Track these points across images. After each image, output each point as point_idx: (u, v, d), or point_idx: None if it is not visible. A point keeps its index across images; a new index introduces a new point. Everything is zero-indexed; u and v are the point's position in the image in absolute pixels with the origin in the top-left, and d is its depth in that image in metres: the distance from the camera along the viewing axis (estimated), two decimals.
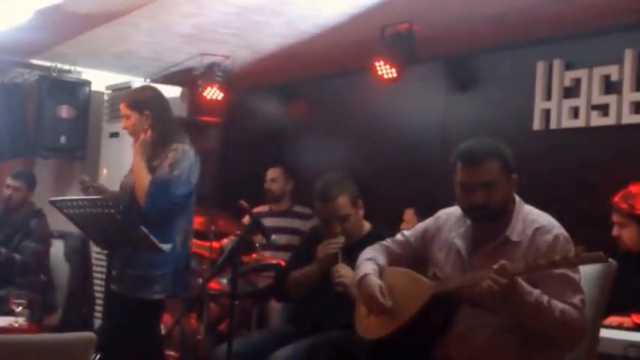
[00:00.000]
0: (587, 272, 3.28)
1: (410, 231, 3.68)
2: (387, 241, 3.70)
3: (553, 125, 5.46)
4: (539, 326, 3.05)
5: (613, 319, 3.93)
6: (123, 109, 4.58)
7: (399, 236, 3.68)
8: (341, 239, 4.22)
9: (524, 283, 2.98)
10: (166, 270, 4.42)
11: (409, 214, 5.52)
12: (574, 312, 3.03)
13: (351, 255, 3.86)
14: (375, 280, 3.51)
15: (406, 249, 3.62)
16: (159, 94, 4.69)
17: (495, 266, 2.96)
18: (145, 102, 4.57)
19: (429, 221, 3.61)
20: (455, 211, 3.46)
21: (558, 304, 3.01)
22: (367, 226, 4.40)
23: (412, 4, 5.23)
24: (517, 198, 3.31)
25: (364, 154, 6.73)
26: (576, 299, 3.06)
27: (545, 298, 2.99)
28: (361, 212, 4.36)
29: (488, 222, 3.28)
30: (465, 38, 5.76)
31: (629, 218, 4.25)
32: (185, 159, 4.46)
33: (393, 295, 3.44)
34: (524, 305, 2.98)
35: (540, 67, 5.53)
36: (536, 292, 3.00)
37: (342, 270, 4.06)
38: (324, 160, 6.97)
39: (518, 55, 5.78)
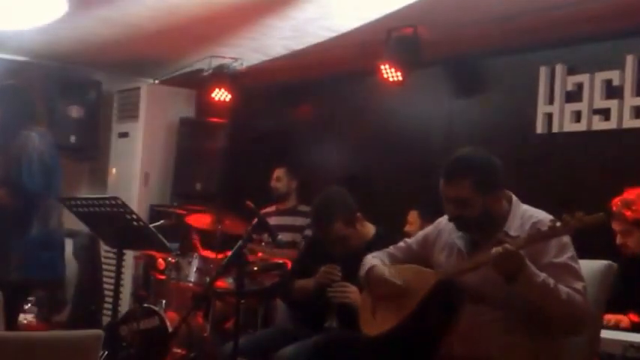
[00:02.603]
0: (589, 272, 3.32)
1: (412, 238, 3.74)
2: (390, 248, 3.76)
3: (555, 129, 5.50)
4: (546, 307, 3.07)
5: (610, 317, 3.97)
6: None
7: (401, 243, 3.74)
8: (337, 270, 4.27)
9: (530, 264, 3.03)
10: None
11: (413, 216, 5.55)
12: (578, 296, 3.07)
13: (354, 264, 3.89)
14: (382, 267, 3.60)
15: (408, 254, 3.67)
16: None
17: (497, 248, 3.03)
18: None
19: (429, 227, 3.67)
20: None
21: (563, 287, 3.06)
22: (371, 231, 4.42)
23: (417, 8, 5.25)
24: (514, 198, 3.36)
25: (369, 156, 6.76)
26: (579, 285, 3.11)
27: (551, 281, 3.04)
28: (360, 225, 4.38)
29: (474, 231, 3.34)
30: (469, 42, 5.80)
31: (633, 225, 4.25)
32: None
33: (399, 288, 3.50)
34: (532, 285, 3.02)
35: (543, 72, 5.57)
36: (543, 274, 3.04)
37: (347, 288, 4.12)
38: (329, 160, 7.02)
39: (521, 59, 5.81)
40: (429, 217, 3.79)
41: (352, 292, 4.07)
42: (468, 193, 3.25)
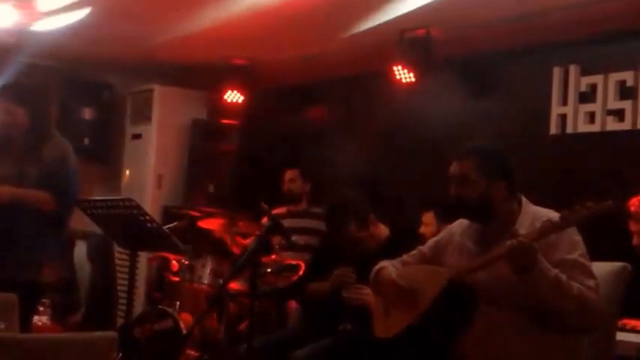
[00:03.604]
0: (603, 273, 3.32)
1: (424, 245, 3.75)
2: (403, 256, 3.76)
3: (569, 130, 5.49)
4: (558, 303, 3.05)
5: (627, 322, 3.96)
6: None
7: (414, 251, 3.75)
8: (351, 272, 4.28)
9: (543, 259, 3.03)
10: None
11: (429, 217, 5.54)
12: (590, 292, 3.07)
13: (368, 266, 3.90)
14: (390, 269, 3.62)
15: (421, 260, 3.67)
16: None
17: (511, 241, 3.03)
18: None
19: (441, 233, 3.69)
20: (465, 220, 3.52)
21: (575, 284, 3.05)
22: (384, 233, 4.42)
23: (430, 9, 5.26)
24: (524, 199, 3.36)
25: (382, 158, 6.76)
26: (591, 282, 3.10)
27: (563, 276, 3.03)
28: (373, 227, 4.38)
29: (472, 216, 3.37)
30: (482, 43, 5.79)
31: None
32: None
33: (410, 288, 3.50)
34: (545, 280, 3.01)
35: (556, 73, 5.56)
36: (555, 269, 3.04)
37: (362, 290, 4.12)
38: (342, 162, 7.01)
39: (534, 60, 5.80)
40: (445, 218, 3.78)
41: (367, 294, 4.07)
42: (470, 172, 3.29)
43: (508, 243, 3.02)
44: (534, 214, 3.30)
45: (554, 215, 3.22)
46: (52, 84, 7.84)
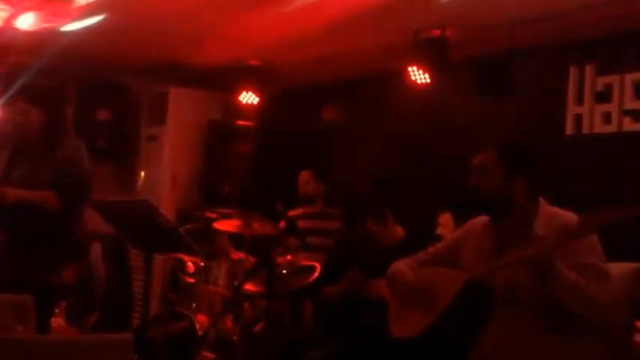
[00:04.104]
0: (619, 273, 3.32)
1: (441, 243, 3.75)
2: (419, 253, 3.76)
3: (585, 130, 5.47)
4: (576, 307, 3.05)
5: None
6: None
7: (430, 248, 3.75)
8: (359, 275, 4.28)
9: (561, 264, 3.02)
10: None
11: (446, 218, 5.53)
12: (608, 296, 3.06)
13: (383, 266, 3.89)
14: (405, 271, 3.62)
15: (437, 258, 3.67)
16: None
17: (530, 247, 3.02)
18: None
19: (458, 231, 3.70)
20: (482, 218, 3.51)
21: (593, 287, 3.05)
22: (400, 233, 4.41)
23: (445, 9, 5.24)
24: (541, 200, 3.35)
25: (398, 158, 6.75)
26: (608, 285, 3.10)
27: (581, 280, 3.03)
28: (390, 224, 4.38)
29: (488, 208, 3.37)
30: (498, 43, 5.77)
31: None
32: None
33: (427, 289, 3.50)
34: (563, 285, 3.01)
35: (572, 73, 5.54)
36: (573, 273, 3.03)
37: (378, 283, 4.12)
38: (357, 163, 7.01)
39: (550, 60, 5.77)
40: (462, 219, 3.78)
41: (383, 287, 4.07)
42: (492, 164, 3.32)
43: (526, 251, 3.02)
44: (552, 216, 3.29)
45: (571, 217, 3.21)
46: (69, 85, 7.87)
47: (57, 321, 4.60)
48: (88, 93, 8.03)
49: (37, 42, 6.68)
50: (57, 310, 4.70)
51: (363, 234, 4.30)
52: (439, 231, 5.37)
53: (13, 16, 6.00)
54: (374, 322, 4.13)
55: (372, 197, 4.44)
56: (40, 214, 4.42)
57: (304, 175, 6.60)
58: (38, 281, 4.34)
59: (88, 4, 5.77)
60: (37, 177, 4.44)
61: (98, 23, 6.12)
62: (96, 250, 6.41)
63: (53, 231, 4.45)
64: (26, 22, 6.13)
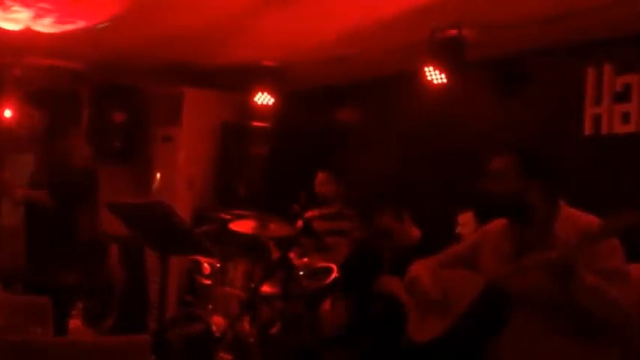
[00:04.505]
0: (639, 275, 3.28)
1: (460, 244, 3.73)
2: (439, 254, 3.74)
3: (604, 130, 5.42)
4: (596, 311, 3.04)
5: None
6: None
7: (449, 249, 3.73)
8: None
9: (581, 269, 3.00)
10: None
11: (466, 217, 5.51)
12: (630, 300, 3.06)
13: (400, 266, 3.88)
14: (424, 278, 3.60)
15: (456, 259, 3.66)
16: None
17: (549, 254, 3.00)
18: None
19: (477, 233, 3.68)
20: (502, 221, 3.48)
21: (614, 291, 3.04)
22: (417, 233, 4.40)
23: (461, 8, 5.21)
24: (561, 203, 3.33)
25: (414, 159, 6.72)
26: (630, 289, 3.09)
27: (602, 284, 3.02)
28: (407, 222, 4.36)
29: (498, 211, 3.39)
30: (515, 43, 5.74)
31: None
32: None
33: (446, 293, 3.49)
34: (584, 288, 2.99)
35: (590, 72, 5.50)
36: (594, 277, 3.02)
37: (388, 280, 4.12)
38: (374, 163, 6.98)
39: (568, 59, 5.73)
40: (484, 218, 3.77)
41: (392, 283, 4.06)
42: (507, 168, 3.32)
43: (547, 254, 3.00)
44: (572, 218, 3.27)
45: (593, 220, 3.20)
46: (84, 87, 7.89)
47: (74, 323, 4.61)
48: (104, 95, 8.04)
49: (52, 44, 6.71)
50: (74, 312, 4.71)
51: (379, 229, 4.29)
52: (459, 230, 5.34)
53: (30, 19, 6.01)
54: (383, 316, 4.14)
55: (388, 193, 4.43)
56: (44, 215, 4.48)
57: (321, 176, 6.59)
58: (53, 283, 4.36)
59: (103, 6, 5.78)
60: (40, 177, 4.54)
61: (113, 25, 6.12)
62: (112, 251, 6.43)
63: (56, 231, 4.49)
64: (42, 24, 6.14)
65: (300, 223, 5.81)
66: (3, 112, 7.55)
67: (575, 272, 2.98)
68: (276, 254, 5.77)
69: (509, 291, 3.29)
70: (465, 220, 5.43)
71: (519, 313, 3.28)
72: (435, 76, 5.85)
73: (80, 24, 6.19)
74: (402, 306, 3.91)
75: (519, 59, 5.99)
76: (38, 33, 6.33)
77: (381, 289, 4.24)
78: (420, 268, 3.72)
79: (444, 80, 5.83)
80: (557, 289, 3.04)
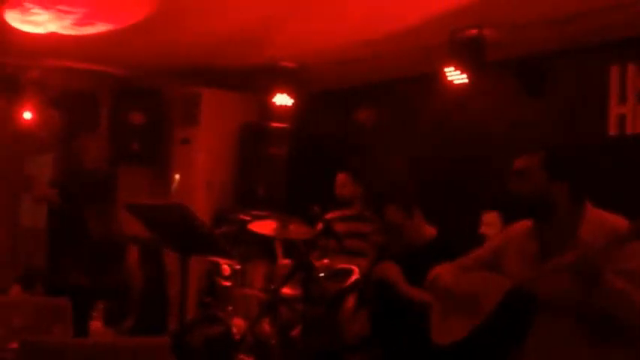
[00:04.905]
0: None
1: (482, 247, 3.69)
2: (462, 257, 3.71)
3: (629, 130, 5.37)
4: (622, 315, 3.01)
5: None
6: None
7: (472, 254, 3.69)
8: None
9: (608, 272, 2.96)
10: None
11: (491, 217, 5.47)
12: None
13: (412, 263, 3.85)
14: (446, 276, 3.59)
15: (479, 262, 3.62)
16: None
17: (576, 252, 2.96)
18: None
19: (500, 235, 3.65)
20: (526, 222, 3.45)
21: (639, 293, 2.99)
22: (431, 233, 4.36)
23: (482, 8, 5.18)
24: (587, 203, 3.29)
25: (435, 159, 6.69)
26: None
27: (628, 288, 2.98)
28: (418, 220, 4.33)
29: (522, 211, 3.35)
30: (537, 42, 5.69)
31: None
32: None
33: (470, 294, 3.45)
34: (610, 291, 2.96)
35: (614, 72, 5.45)
36: (620, 281, 2.98)
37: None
38: (395, 164, 6.95)
39: (591, 59, 5.68)
40: (509, 219, 3.74)
41: (388, 269, 4.02)
42: (532, 167, 3.28)
43: (573, 256, 2.96)
44: (598, 220, 3.23)
45: (620, 222, 3.16)
46: (103, 89, 7.90)
47: (95, 324, 4.62)
48: (122, 97, 8.05)
49: (71, 46, 6.72)
50: (94, 313, 4.71)
51: (385, 220, 4.26)
52: (483, 230, 5.31)
53: (49, 21, 6.02)
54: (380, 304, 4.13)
55: (396, 186, 4.40)
56: (62, 216, 4.49)
57: (341, 178, 6.56)
58: (72, 284, 4.37)
59: (123, 9, 5.78)
60: (58, 177, 4.55)
61: (132, 27, 6.12)
62: (132, 253, 6.44)
63: (71, 232, 4.50)
64: (61, 26, 6.15)
65: (320, 225, 5.79)
66: (22, 113, 7.59)
67: (602, 275, 2.94)
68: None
69: (534, 294, 3.25)
70: (490, 220, 5.40)
71: (544, 316, 3.24)
72: (455, 76, 5.82)
73: (99, 26, 6.19)
74: (399, 294, 3.91)
75: (541, 59, 5.94)
76: (57, 35, 6.33)
77: (377, 276, 4.22)
78: (442, 270, 3.69)
79: (465, 80, 5.80)
80: (582, 292, 3.00)
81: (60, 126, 4.64)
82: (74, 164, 4.62)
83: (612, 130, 5.45)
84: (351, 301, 5.23)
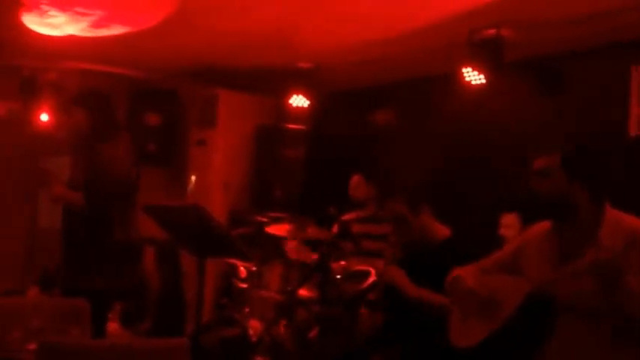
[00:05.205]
0: None
1: (502, 250, 3.67)
2: (481, 260, 3.69)
3: None
4: None
5: None
6: None
7: (492, 257, 3.68)
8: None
9: (629, 274, 2.94)
10: None
11: (510, 218, 5.45)
12: None
13: (425, 263, 3.83)
14: (467, 278, 3.57)
15: (499, 265, 3.61)
16: None
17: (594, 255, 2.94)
18: None
19: (519, 238, 3.64)
20: (544, 224, 3.43)
21: None
22: (444, 233, 4.34)
23: (500, 8, 5.15)
24: (607, 206, 3.26)
25: (453, 160, 6.66)
26: None
27: None
28: (425, 216, 4.31)
29: (543, 212, 3.33)
30: (555, 42, 5.66)
31: None
32: None
33: (490, 297, 3.45)
34: (631, 293, 2.93)
35: (634, 72, 5.41)
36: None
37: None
38: (412, 166, 6.92)
39: (610, 59, 5.64)
40: (529, 220, 3.71)
41: (394, 273, 4.01)
42: (552, 167, 3.27)
43: (593, 257, 2.93)
44: (619, 222, 3.21)
45: (638, 223, 3.13)
46: (119, 90, 7.91)
47: (112, 325, 4.61)
48: (138, 98, 8.06)
49: (87, 48, 6.73)
50: (112, 315, 4.71)
51: (388, 212, 4.26)
52: (503, 232, 5.28)
53: (66, 23, 6.04)
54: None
55: (405, 179, 4.40)
56: (80, 217, 4.48)
57: (354, 179, 6.55)
58: (91, 286, 4.37)
59: (140, 11, 5.78)
60: (78, 178, 4.53)
61: (148, 29, 6.13)
62: (148, 254, 6.44)
63: (91, 234, 4.49)
64: (78, 28, 6.16)
65: (336, 226, 5.78)
66: (39, 115, 7.62)
67: (622, 277, 2.91)
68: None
69: (555, 297, 3.24)
70: (509, 222, 5.38)
71: (565, 319, 3.23)
72: (473, 76, 5.79)
73: (116, 29, 6.19)
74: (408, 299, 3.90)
75: (559, 59, 5.92)
76: (73, 37, 6.34)
77: (385, 280, 4.21)
78: (462, 272, 3.67)
79: (483, 81, 5.77)
80: (603, 295, 2.98)
81: (88, 125, 4.59)
82: (103, 168, 4.58)
83: (632, 131, 5.41)
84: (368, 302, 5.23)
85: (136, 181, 4.84)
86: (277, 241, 6.04)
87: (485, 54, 5.66)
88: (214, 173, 8.00)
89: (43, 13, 5.82)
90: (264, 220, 6.34)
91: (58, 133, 7.33)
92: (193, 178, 8.19)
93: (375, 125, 7.45)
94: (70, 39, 6.38)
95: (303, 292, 5.41)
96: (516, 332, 3.32)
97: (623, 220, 3.20)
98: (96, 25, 6.11)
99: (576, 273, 3.08)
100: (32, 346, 3.36)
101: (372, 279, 5.20)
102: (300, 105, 7.33)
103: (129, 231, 4.74)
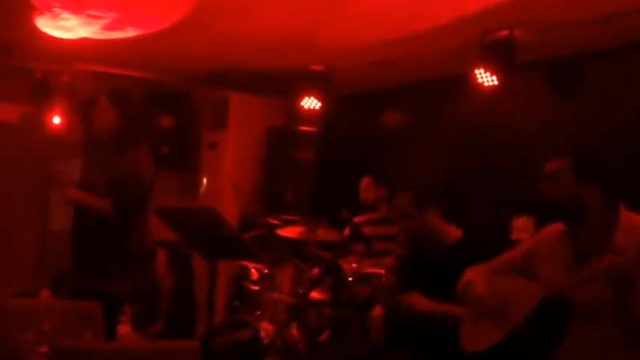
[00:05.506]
0: None
1: (514, 251, 3.65)
2: (493, 261, 3.67)
3: None
4: None
5: None
6: None
7: (503, 258, 3.65)
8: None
9: None
10: None
11: (522, 222, 5.42)
12: None
13: (438, 264, 3.82)
14: (478, 283, 3.54)
15: (510, 267, 3.59)
16: None
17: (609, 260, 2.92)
18: None
19: (532, 240, 3.60)
20: (557, 226, 3.40)
21: None
22: (456, 234, 4.32)
23: (513, 9, 5.13)
24: (622, 208, 3.24)
25: (465, 162, 6.64)
26: None
27: None
28: (432, 215, 4.29)
29: (559, 218, 3.32)
30: (568, 43, 5.63)
31: None
32: None
33: (501, 301, 3.42)
34: None
35: None
36: None
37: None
38: (424, 168, 6.91)
39: (624, 59, 5.61)
40: (543, 223, 3.69)
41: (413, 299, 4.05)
42: (562, 170, 3.25)
43: (608, 262, 2.91)
44: (635, 225, 3.17)
45: None
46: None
47: (124, 328, 4.60)
48: (151, 100, 8.06)
49: (99, 51, 6.74)
50: (123, 318, 4.70)
51: (395, 209, 4.25)
52: (515, 235, 5.25)
53: (79, 26, 6.05)
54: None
55: (412, 177, 4.39)
56: (94, 221, 4.45)
57: (364, 182, 6.55)
58: (102, 289, 4.36)
59: (152, 14, 5.79)
60: (98, 181, 4.48)
61: (161, 32, 6.13)
62: (160, 257, 6.43)
63: (107, 239, 4.46)
64: (90, 31, 6.18)
65: (348, 229, 5.77)
66: (52, 118, 7.64)
67: (637, 282, 2.89)
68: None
69: (570, 301, 3.21)
70: (521, 225, 5.35)
71: (579, 322, 3.20)
72: (485, 78, 5.77)
73: (128, 31, 6.20)
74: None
75: (573, 60, 5.87)
76: (86, 40, 6.35)
77: (402, 306, 4.19)
78: (473, 274, 3.65)
79: (495, 82, 5.74)
80: (617, 300, 2.96)
81: (116, 127, 4.53)
82: (133, 174, 4.53)
83: None
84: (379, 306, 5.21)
85: (153, 187, 4.82)
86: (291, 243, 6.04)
87: (497, 55, 5.63)
88: (226, 176, 8.00)
89: (55, 16, 5.83)
90: (276, 222, 6.33)
91: (70, 136, 7.35)
92: (205, 180, 8.21)
93: (386, 127, 7.43)
94: (83, 42, 6.39)
95: (314, 295, 5.40)
96: (531, 336, 3.30)
97: (638, 223, 3.18)
98: (108, 27, 6.11)
99: (592, 278, 3.06)
100: (44, 349, 3.36)
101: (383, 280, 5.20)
102: (311, 107, 7.33)
103: (143, 234, 4.72)
